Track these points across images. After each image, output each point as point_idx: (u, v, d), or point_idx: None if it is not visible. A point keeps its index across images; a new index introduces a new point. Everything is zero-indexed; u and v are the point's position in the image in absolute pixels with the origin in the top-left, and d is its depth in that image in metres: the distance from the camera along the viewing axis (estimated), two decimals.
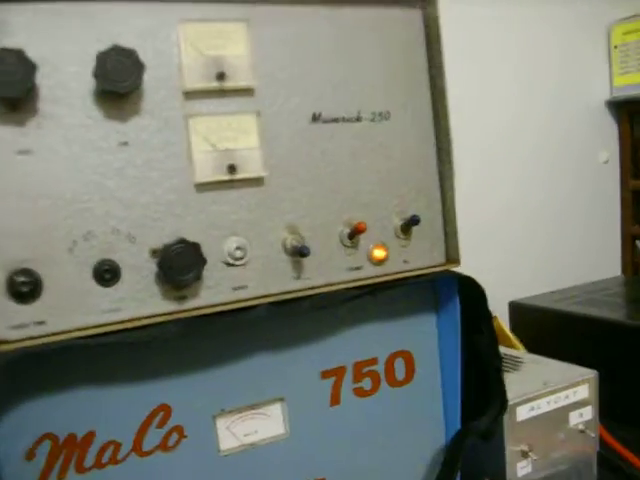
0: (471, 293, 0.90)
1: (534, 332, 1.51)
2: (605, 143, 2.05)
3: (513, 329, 1.53)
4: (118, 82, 0.70)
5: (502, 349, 1.10)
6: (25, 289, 0.70)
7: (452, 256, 0.90)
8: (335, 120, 0.83)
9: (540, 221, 1.92)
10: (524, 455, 1.05)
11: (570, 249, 1.97)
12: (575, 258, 1.97)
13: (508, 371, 1.15)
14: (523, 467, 1.06)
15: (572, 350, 1.30)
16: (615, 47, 1.99)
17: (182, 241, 0.74)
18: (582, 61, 1.99)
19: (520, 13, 1.85)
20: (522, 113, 1.88)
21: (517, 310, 1.60)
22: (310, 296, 0.81)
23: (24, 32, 0.69)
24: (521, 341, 1.39)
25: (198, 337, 0.79)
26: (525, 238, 1.89)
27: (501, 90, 1.83)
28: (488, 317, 0.92)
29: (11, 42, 0.68)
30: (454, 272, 0.89)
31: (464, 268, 0.90)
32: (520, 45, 1.87)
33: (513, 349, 1.33)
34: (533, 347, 1.35)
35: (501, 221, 1.83)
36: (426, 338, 0.94)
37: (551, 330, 1.50)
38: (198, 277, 0.74)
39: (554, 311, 1.50)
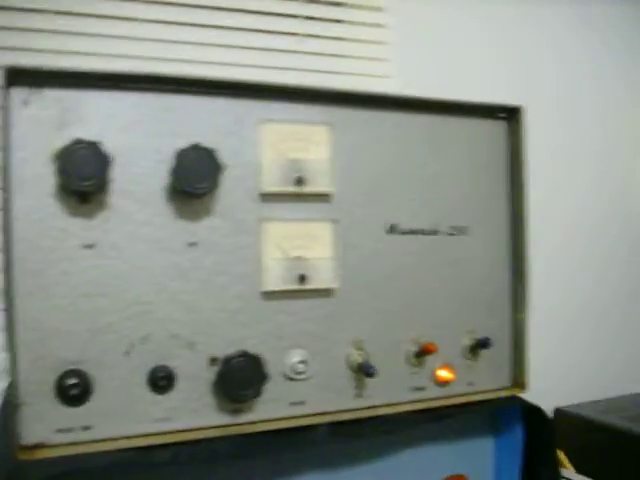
0: (536, 421, 0.84)
1: (580, 443, 1.44)
2: None
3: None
4: (196, 183, 0.66)
5: None
6: (75, 391, 0.66)
7: (519, 380, 0.85)
8: (412, 232, 0.79)
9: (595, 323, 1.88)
10: None
11: (623, 356, 1.91)
12: (628, 366, 1.91)
13: None
14: None
15: (621, 470, 1.23)
16: None
17: (244, 354, 0.69)
18: None
19: None
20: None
21: (563, 418, 1.53)
22: (373, 418, 0.76)
23: (100, 121, 0.66)
24: (565, 452, 1.33)
25: (250, 457, 0.74)
26: (580, 340, 1.85)
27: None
28: (553, 450, 0.86)
29: (87, 132, 0.65)
30: (520, 399, 0.84)
31: None
32: None
33: (562, 468, 1.26)
34: (578, 461, 1.29)
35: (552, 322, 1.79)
36: (483, 463, 0.88)
37: (597, 445, 1.43)
38: (258, 394, 0.70)
39: (602, 425, 1.44)
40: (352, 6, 1.61)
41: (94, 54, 1.42)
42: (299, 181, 0.72)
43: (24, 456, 0.64)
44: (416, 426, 0.79)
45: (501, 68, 1.79)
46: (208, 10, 1.49)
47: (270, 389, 0.72)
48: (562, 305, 1.84)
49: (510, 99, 0.84)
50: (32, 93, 0.65)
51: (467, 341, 0.82)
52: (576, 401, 1.60)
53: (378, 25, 1.62)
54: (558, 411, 1.53)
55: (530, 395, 0.85)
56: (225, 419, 0.71)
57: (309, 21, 1.56)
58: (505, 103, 0.83)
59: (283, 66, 1.53)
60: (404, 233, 0.78)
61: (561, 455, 1.26)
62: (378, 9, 1.61)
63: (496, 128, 0.84)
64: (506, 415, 0.87)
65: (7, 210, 0.63)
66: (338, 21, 1.62)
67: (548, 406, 1.55)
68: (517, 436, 0.85)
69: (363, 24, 1.62)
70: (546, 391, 1.34)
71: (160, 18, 1.47)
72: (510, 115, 0.84)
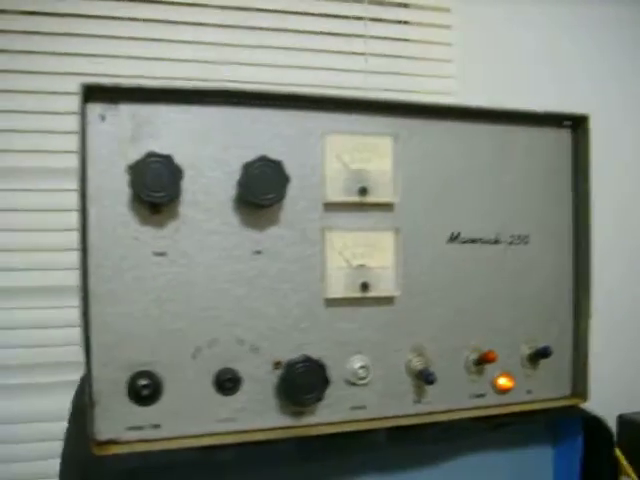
0: (596, 431, 0.84)
1: None
2: None
3: (620, 445, 1.44)
4: (262, 194, 0.69)
5: None
6: (146, 392, 0.69)
7: (579, 390, 0.85)
8: (473, 241, 0.79)
9: None
10: None
11: None
12: None
13: None
14: None
15: None
16: None
17: (308, 359, 0.71)
18: None
19: None
20: None
21: (626, 425, 1.51)
22: (431, 424, 0.77)
23: (172, 135, 0.69)
24: (628, 459, 1.30)
25: (311, 459, 0.76)
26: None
27: None
28: (613, 464, 0.86)
29: (159, 145, 0.68)
30: (580, 409, 0.84)
31: None
32: None
33: (625, 476, 1.24)
34: None
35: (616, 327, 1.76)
36: (542, 472, 0.88)
37: None
38: (320, 398, 0.72)
39: None
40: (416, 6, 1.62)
41: (160, 59, 1.46)
42: (362, 191, 0.74)
43: (98, 451, 0.67)
44: (475, 434, 0.80)
45: (562, 73, 1.76)
46: (272, 14, 1.51)
47: (331, 394, 0.74)
48: (629, 312, 1.81)
49: (574, 107, 0.83)
50: (108, 108, 0.68)
51: (527, 350, 0.82)
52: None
53: (443, 26, 1.62)
54: (621, 418, 1.51)
55: (594, 402, 0.85)
56: (287, 421, 0.73)
57: (374, 22, 1.56)
58: (571, 112, 0.83)
59: (349, 68, 1.54)
60: (465, 242, 0.79)
61: (624, 462, 1.24)
62: (446, 10, 1.61)
63: (561, 136, 0.84)
64: (566, 425, 0.87)
65: (84, 219, 0.67)
66: (404, 22, 1.62)
67: (612, 413, 1.53)
68: (577, 446, 0.85)
69: (428, 25, 1.62)
70: (610, 398, 1.33)
71: (220, 22, 1.50)
72: (576, 124, 0.84)
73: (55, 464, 0.81)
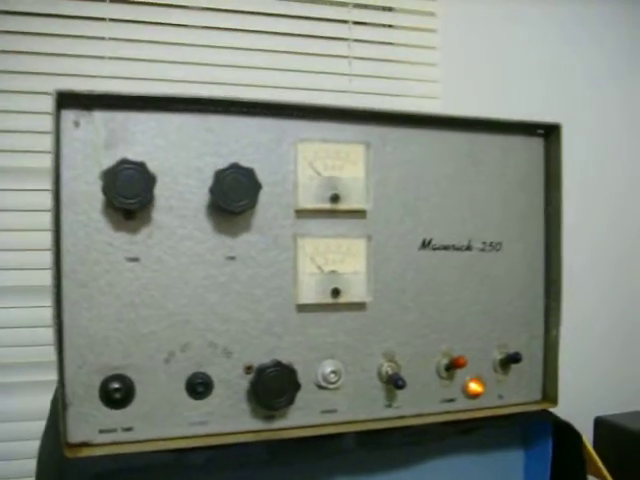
0: (566, 436, 0.85)
1: (619, 454, 1.43)
2: None
3: (596, 447, 1.46)
4: (234, 202, 0.70)
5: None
6: (118, 395, 0.70)
7: (549, 395, 0.86)
8: (445, 247, 0.80)
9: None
10: None
11: None
12: None
13: None
14: None
15: None
16: None
17: (278, 364, 0.72)
18: None
19: None
20: None
21: (603, 427, 1.52)
22: (401, 429, 0.78)
23: (146, 141, 0.70)
24: (604, 461, 1.32)
25: (281, 463, 0.77)
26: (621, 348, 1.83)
27: None
28: (582, 467, 0.87)
29: (134, 152, 0.69)
30: (551, 414, 0.85)
31: None
32: None
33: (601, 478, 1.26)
34: (618, 470, 1.28)
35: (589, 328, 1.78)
36: (512, 476, 0.90)
37: (638, 455, 1.42)
38: (291, 402, 0.73)
39: None
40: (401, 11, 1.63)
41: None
42: (334, 198, 0.75)
43: (70, 454, 0.68)
44: (445, 438, 0.81)
45: (539, 83, 1.77)
46: (254, 16, 1.51)
47: (302, 397, 0.75)
48: (602, 312, 1.83)
49: (546, 115, 0.85)
50: (82, 115, 0.69)
51: (498, 355, 0.83)
52: (617, 411, 1.59)
53: (428, 30, 1.63)
54: (598, 419, 1.52)
55: (570, 404, 0.86)
56: (258, 425, 0.74)
57: (358, 26, 1.57)
58: (543, 120, 0.84)
59: (333, 71, 1.55)
60: (437, 249, 0.80)
61: (599, 465, 1.25)
62: (431, 14, 1.62)
63: (534, 145, 0.85)
64: (536, 429, 0.88)
65: (57, 225, 0.67)
66: (388, 26, 1.63)
67: (588, 415, 1.54)
68: (547, 450, 0.86)
69: (413, 29, 1.63)
70: (587, 400, 1.34)
71: (203, 23, 1.50)
72: (548, 132, 0.85)
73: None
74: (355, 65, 1.56)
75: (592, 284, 1.81)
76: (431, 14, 1.62)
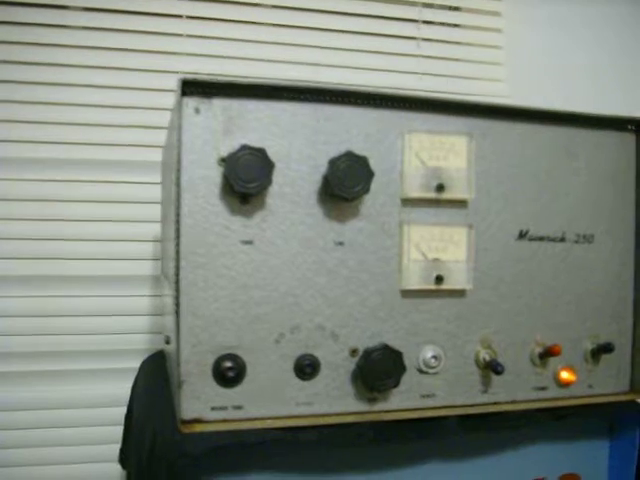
0: None
1: None
2: None
3: None
4: (349, 188, 0.72)
5: None
6: (230, 374, 0.72)
7: (638, 386, 0.87)
8: (540, 238, 0.82)
9: None
10: None
11: None
12: None
13: None
14: None
15: None
16: None
17: (385, 347, 0.74)
18: None
19: None
20: None
21: None
22: (496, 414, 0.80)
23: (261, 129, 0.72)
24: None
25: (386, 442, 0.79)
26: None
27: None
28: None
29: (249, 138, 0.71)
30: (638, 405, 0.87)
31: None
32: None
33: None
34: None
35: None
36: (597, 464, 0.91)
37: None
38: (396, 384, 0.75)
39: None
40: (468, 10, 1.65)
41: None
42: (439, 188, 0.77)
43: (184, 429, 0.70)
44: (537, 424, 0.83)
45: (603, 83, 1.76)
46: (324, 14, 1.53)
47: (404, 381, 0.77)
48: None
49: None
50: (202, 102, 0.71)
51: (589, 345, 0.85)
52: None
53: (493, 30, 1.64)
54: None
55: None
56: (361, 407, 0.76)
57: (427, 25, 1.59)
58: (636, 116, 0.86)
59: (401, 69, 1.57)
60: (533, 239, 0.82)
61: None
62: (496, 14, 1.64)
63: (625, 140, 0.86)
64: (624, 419, 0.89)
65: (178, 206, 0.70)
66: (455, 25, 1.65)
67: None
68: (633, 441, 0.88)
69: (479, 28, 1.65)
70: None
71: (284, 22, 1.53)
72: (639, 128, 0.87)
73: None
74: (423, 63, 1.58)
75: None
76: (496, 14, 1.64)
